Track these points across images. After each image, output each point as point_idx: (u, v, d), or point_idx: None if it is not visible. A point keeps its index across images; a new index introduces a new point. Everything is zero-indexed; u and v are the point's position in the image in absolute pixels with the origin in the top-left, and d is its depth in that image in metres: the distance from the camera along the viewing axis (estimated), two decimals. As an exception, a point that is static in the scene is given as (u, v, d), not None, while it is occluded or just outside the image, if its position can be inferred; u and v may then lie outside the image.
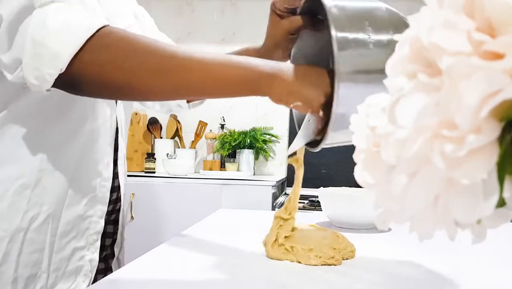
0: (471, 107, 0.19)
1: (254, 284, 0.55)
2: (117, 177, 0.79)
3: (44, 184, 0.66)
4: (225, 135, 2.61)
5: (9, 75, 0.55)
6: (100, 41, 0.53)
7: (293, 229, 0.67)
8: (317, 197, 1.43)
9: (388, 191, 0.24)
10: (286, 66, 0.55)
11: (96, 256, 0.73)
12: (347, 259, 0.65)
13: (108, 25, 0.55)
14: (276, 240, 0.64)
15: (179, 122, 2.68)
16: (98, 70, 0.53)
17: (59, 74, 0.52)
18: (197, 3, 2.97)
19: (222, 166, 2.60)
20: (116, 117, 0.78)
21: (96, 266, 0.73)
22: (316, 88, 0.54)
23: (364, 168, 0.29)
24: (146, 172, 2.46)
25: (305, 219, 1.04)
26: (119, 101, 0.78)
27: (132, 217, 2.20)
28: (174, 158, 2.54)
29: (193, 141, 2.69)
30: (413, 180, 0.22)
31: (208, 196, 2.26)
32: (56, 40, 0.52)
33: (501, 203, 0.22)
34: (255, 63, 0.55)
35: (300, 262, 0.62)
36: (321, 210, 1.19)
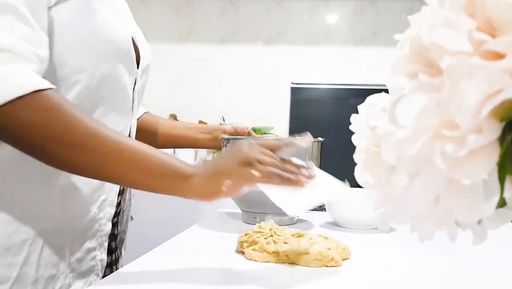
0: (472, 107, 0.19)
1: (255, 285, 0.54)
2: None
3: (65, 188, 0.67)
4: (225, 135, 2.61)
5: None
6: (29, 102, 0.53)
7: (272, 235, 0.67)
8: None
9: (388, 192, 0.24)
10: (199, 167, 0.61)
11: (105, 256, 0.75)
12: (345, 259, 0.65)
13: (49, 89, 0.55)
14: (265, 250, 0.63)
15: (178, 121, 2.68)
16: (16, 128, 0.54)
17: None
18: (196, 3, 2.96)
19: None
20: (131, 126, 0.80)
21: (105, 266, 0.76)
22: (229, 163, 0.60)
23: (365, 168, 0.29)
24: (146, 172, 2.46)
25: (310, 221, 1.04)
26: (134, 111, 0.80)
27: (132, 217, 2.19)
28: (174, 158, 2.54)
29: (193, 141, 2.68)
30: (414, 180, 0.22)
31: (208, 196, 2.25)
32: None
33: (502, 203, 0.21)
34: (172, 162, 0.59)
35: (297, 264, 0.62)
36: (321, 210, 1.19)
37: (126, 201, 0.85)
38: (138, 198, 2.20)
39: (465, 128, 0.19)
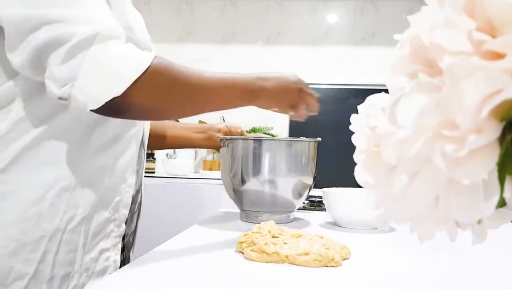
0: (472, 107, 0.19)
1: (254, 284, 0.54)
2: (135, 183, 0.83)
3: (81, 187, 0.69)
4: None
5: (55, 87, 0.59)
6: (151, 73, 0.62)
7: (273, 236, 0.67)
8: (317, 197, 1.43)
9: (388, 192, 0.24)
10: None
11: (118, 257, 0.76)
12: (345, 259, 0.65)
13: (156, 56, 0.64)
14: (264, 251, 0.63)
15: (178, 122, 2.68)
16: (145, 98, 0.63)
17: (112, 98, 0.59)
18: (197, 3, 2.96)
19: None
20: (144, 126, 0.83)
21: (118, 266, 0.76)
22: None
23: (365, 169, 0.28)
24: (146, 172, 2.46)
25: (307, 220, 1.04)
26: None
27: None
28: (174, 158, 2.54)
29: (193, 141, 2.68)
30: (414, 180, 0.22)
31: (208, 196, 2.26)
32: (120, 65, 0.60)
33: (502, 203, 0.21)
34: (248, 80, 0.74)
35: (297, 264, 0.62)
36: (321, 210, 1.19)
37: (136, 203, 0.86)
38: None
39: (465, 128, 0.19)
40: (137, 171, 0.83)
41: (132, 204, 0.81)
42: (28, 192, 0.65)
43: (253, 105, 0.74)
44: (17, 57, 0.60)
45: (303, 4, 2.96)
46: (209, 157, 2.67)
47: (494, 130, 0.19)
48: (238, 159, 0.95)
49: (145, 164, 2.73)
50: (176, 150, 2.63)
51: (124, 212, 0.77)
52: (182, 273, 0.57)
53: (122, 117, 0.67)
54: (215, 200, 2.22)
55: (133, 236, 0.88)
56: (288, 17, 2.96)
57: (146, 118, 0.73)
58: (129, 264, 0.62)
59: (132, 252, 0.88)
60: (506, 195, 0.21)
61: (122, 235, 0.77)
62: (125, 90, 0.59)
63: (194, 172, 2.63)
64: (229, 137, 0.99)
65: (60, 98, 0.59)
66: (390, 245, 0.80)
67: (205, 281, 0.54)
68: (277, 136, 2.65)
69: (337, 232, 0.88)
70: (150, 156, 2.51)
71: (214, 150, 2.65)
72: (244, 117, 2.75)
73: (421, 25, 0.22)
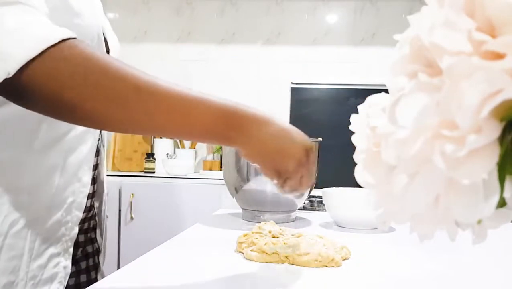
0: (472, 107, 0.19)
1: (254, 284, 0.54)
2: (94, 183, 0.76)
3: (26, 188, 0.63)
4: (225, 135, 2.61)
5: None
6: (59, 53, 0.48)
7: (274, 236, 0.67)
8: (317, 197, 1.43)
9: (388, 191, 0.24)
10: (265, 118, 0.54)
11: (69, 263, 0.70)
12: (345, 259, 0.65)
13: (74, 38, 0.50)
14: (264, 251, 0.63)
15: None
16: (50, 84, 0.48)
17: (5, 79, 0.47)
18: (197, 3, 2.96)
19: (222, 166, 2.60)
20: None
21: (69, 273, 0.70)
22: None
23: (365, 168, 0.29)
24: (145, 172, 2.46)
25: (307, 219, 1.04)
26: None
27: (131, 217, 2.20)
28: (174, 158, 2.54)
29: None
30: (414, 180, 0.22)
31: (208, 196, 2.26)
32: (11, 41, 0.47)
33: (502, 203, 0.21)
34: (230, 105, 0.52)
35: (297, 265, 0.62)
36: (321, 210, 1.20)
37: (102, 204, 0.79)
38: (138, 198, 2.20)
39: (465, 128, 0.19)
40: (95, 168, 0.75)
41: (89, 206, 0.75)
42: None
43: (229, 144, 0.54)
44: None
45: (303, 4, 2.96)
46: (209, 157, 2.67)
47: (494, 130, 0.19)
48: (240, 159, 0.95)
49: (145, 164, 2.68)
50: (176, 149, 2.62)
51: (78, 214, 0.70)
52: (182, 273, 0.57)
53: (27, 107, 0.52)
54: (215, 200, 2.22)
55: (102, 242, 0.81)
56: (288, 17, 2.96)
57: (59, 115, 0.51)
58: (129, 263, 0.61)
59: (104, 260, 0.81)
60: (506, 195, 0.21)
61: (75, 238, 0.70)
62: (18, 71, 0.46)
63: (194, 172, 2.63)
64: None
65: None
66: (390, 245, 0.80)
67: (205, 281, 0.54)
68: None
69: (337, 232, 0.88)
70: (150, 156, 2.51)
71: (214, 150, 2.64)
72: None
73: (421, 25, 0.22)
